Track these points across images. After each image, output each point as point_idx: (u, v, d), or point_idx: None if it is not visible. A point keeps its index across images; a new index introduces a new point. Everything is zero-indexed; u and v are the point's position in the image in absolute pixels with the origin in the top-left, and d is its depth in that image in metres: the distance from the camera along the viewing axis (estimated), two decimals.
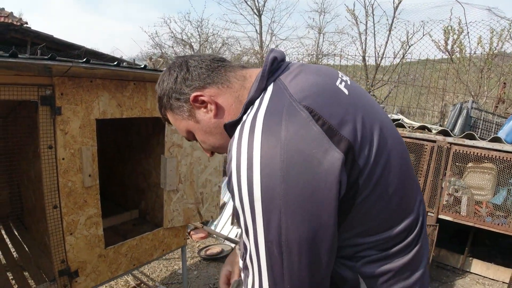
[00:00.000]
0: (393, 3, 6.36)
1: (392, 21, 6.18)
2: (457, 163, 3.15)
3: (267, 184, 0.61)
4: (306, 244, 0.62)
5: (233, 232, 3.69)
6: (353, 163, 0.65)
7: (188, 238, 3.71)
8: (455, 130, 3.49)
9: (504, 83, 5.13)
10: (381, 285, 0.72)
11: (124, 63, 1.46)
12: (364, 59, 6.40)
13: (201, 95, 0.81)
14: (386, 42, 6.19)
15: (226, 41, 11.44)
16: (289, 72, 0.78)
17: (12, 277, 1.68)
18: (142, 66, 1.50)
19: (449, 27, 5.43)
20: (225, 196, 4.12)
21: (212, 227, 3.85)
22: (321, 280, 0.65)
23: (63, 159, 1.40)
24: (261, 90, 0.76)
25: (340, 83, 0.79)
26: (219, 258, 3.22)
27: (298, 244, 0.61)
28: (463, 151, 3.06)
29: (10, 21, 5.78)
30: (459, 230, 3.46)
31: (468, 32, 5.34)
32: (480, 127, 3.64)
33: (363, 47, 6.49)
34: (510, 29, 5.23)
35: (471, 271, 3.29)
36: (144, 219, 2.35)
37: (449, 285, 3.11)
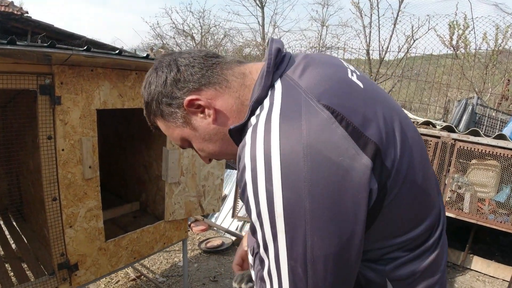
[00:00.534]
0: None
1: (397, 15, 6.11)
2: (460, 160, 3.12)
3: (290, 198, 0.54)
4: (332, 260, 0.56)
5: (233, 225, 3.68)
6: (381, 167, 0.60)
7: (189, 231, 3.69)
8: (460, 126, 3.46)
9: (509, 80, 5.08)
10: (407, 285, 0.68)
11: (126, 53, 1.42)
12: (368, 53, 6.34)
13: (196, 99, 0.72)
14: (391, 36, 6.13)
15: (228, 33, 11.35)
16: (295, 66, 0.70)
17: (10, 269, 1.66)
18: (145, 55, 1.46)
19: (455, 22, 5.36)
20: (226, 189, 4.10)
21: (213, 220, 3.83)
22: None
23: (62, 150, 1.36)
24: (268, 87, 0.68)
25: (352, 75, 0.73)
26: (220, 251, 3.21)
27: (324, 261, 0.56)
28: (467, 147, 3.03)
29: (10, 10, 5.71)
30: (460, 227, 3.44)
31: (474, 28, 5.27)
32: (485, 123, 3.60)
33: (367, 41, 6.43)
34: None
35: (471, 268, 3.28)
36: (145, 211, 2.32)
37: (449, 281, 3.10)
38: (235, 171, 4.28)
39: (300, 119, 0.58)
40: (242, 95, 0.74)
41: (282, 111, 0.61)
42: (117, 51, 1.35)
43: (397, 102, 0.85)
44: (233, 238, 3.42)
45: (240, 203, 3.77)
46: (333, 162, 0.55)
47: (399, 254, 0.67)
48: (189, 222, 3.79)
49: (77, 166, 1.40)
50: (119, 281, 2.65)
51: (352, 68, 0.78)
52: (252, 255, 0.85)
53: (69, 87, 1.33)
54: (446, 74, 5.77)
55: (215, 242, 3.33)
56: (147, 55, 1.47)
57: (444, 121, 4.21)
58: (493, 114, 3.68)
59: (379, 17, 6.29)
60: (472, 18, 5.21)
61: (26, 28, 6.00)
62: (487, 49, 5.34)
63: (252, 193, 0.58)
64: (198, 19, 12.24)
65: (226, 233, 3.54)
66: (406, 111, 4.27)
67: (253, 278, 0.83)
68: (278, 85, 0.67)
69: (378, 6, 6.48)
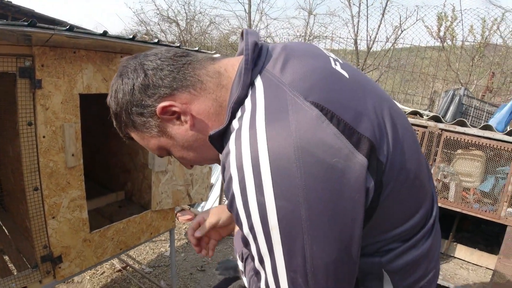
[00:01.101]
0: None
1: (386, 4, 6.09)
2: (445, 150, 3.14)
3: (285, 208, 0.51)
4: (333, 267, 0.54)
5: None
6: (376, 163, 0.57)
7: (175, 220, 3.64)
8: (447, 117, 3.49)
9: (493, 73, 5.16)
10: (403, 274, 0.67)
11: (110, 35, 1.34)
12: (356, 42, 6.32)
13: (170, 105, 0.66)
14: (379, 26, 6.12)
15: (214, 20, 11.15)
16: (275, 59, 0.65)
17: None
18: (131, 37, 1.39)
19: (443, 14, 5.38)
20: (213, 178, 4.05)
21: (199, 209, 3.79)
22: None
23: (43, 137, 1.29)
24: (247, 86, 0.63)
25: (335, 64, 0.68)
26: None
27: (325, 269, 0.53)
28: (454, 137, 3.06)
29: None
30: (443, 215, 3.50)
31: (462, 20, 5.31)
32: (471, 114, 3.65)
33: (355, 30, 6.41)
34: (501, 20, 5.22)
35: (455, 256, 3.34)
36: (130, 200, 2.26)
37: None
38: None
39: (288, 120, 0.54)
40: (220, 96, 0.68)
41: (267, 112, 0.56)
42: (101, 32, 1.27)
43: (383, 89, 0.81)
44: None
45: None
46: (328, 164, 0.51)
47: (395, 245, 0.65)
48: (175, 212, 3.74)
49: (59, 154, 1.33)
50: (104, 272, 2.59)
51: (333, 56, 0.73)
52: (242, 261, 0.82)
53: (50, 70, 1.25)
54: (432, 65, 5.82)
55: None
56: (133, 36, 1.40)
57: (429, 112, 4.25)
58: (479, 105, 3.72)
59: (367, 7, 6.27)
60: (461, 10, 5.24)
61: (6, 13, 5.75)
62: (474, 41, 5.39)
63: (242, 205, 0.54)
64: (183, 5, 11.97)
65: None
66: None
67: (246, 285, 0.80)
68: (258, 82, 0.62)
69: None
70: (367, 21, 6.21)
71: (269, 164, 0.52)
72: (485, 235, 3.53)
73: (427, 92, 5.91)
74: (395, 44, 6.14)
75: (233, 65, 0.71)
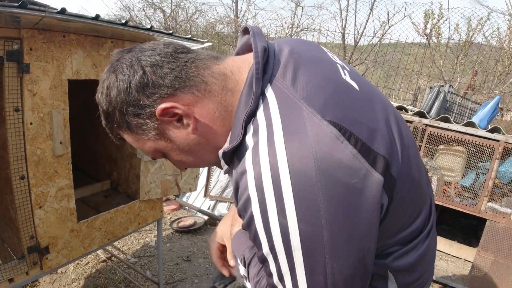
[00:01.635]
0: None
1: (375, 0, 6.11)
2: (428, 145, 3.21)
3: (308, 231, 0.52)
4: (351, 279, 0.56)
5: (205, 204, 3.63)
6: (390, 178, 0.58)
7: None
8: (431, 113, 3.55)
9: (476, 71, 5.28)
10: (405, 274, 0.69)
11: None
12: (343, 36, 6.34)
13: (172, 107, 0.61)
14: (367, 21, 6.14)
15: (200, 8, 10.95)
16: (283, 66, 0.62)
17: None
18: (123, 22, 1.35)
19: (430, 11, 5.44)
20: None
21: (184, 199, 3.76)
22: None
23: (31, 123, 1.24)
24: (258, 97, 0.60)
25: (345, 74, 0.67)
26: (192, 231, 3.17)
27: (345, 282, 0.55)
28: (437, 133, 3.12)
29: None
30: None
31: (448, 18, 5.38)
32: (455, 111, 3.73)
33: (343, 24, 6.42)
34: (486, 20, 5.31)
35: None
36: (116, 190, 2.22)
37: None
38: None
39: (307, 140, 0.53)
40: (225, 100, 0.65)
41: (286, 131, 0.54)
42: (93, 16, 1.22)
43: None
44: (205, 217, 3.38)
45: (212, 182, 3.72)
46: (347, 185, 0.52)
47: (397, 248, 0.68)
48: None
49: (46, 141, 1.29)
50: (88, 262, 2.55)
51: (339, 62, 0.73)
52: (245, 266, 0.82)
53: (38, 54, 1.20)
54: (417, 62, 5.90)
55: (187, 221, 3.28)
56: (126, 21, 1.35)
57: (413, 107, 4.32)
58: (463, 102, 3.80)
59: (356, 1, 6.27)
60: (448, 8, 5.31)
61: None
62: (459, 40, 5.49)
63: (262, 226, 0.54)
64: None
65: (198, 212, 3.49)
66: None
67: None
68: (270, 94, 0.60)
69: None
70: (355, 15, 6.22)
71: (291, 187, 0.51)
72: (464, 228, 3.64)
73: (410, 88, 6.00)
74: (382, 40, 6.19)
75: (239, 67, 0.67)
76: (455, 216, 3.67)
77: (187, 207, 3.64)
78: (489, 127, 2.95)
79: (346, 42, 6.47)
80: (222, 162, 0.67)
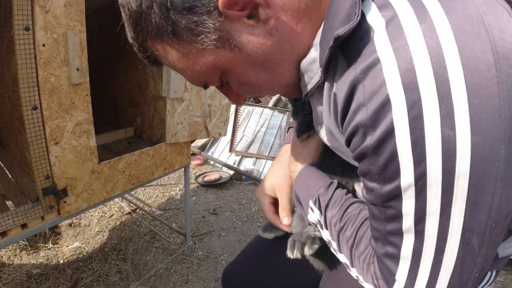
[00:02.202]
0: None
1: None
2: None
3: (484, 147, 0.34)
4: (509, 216, 0.39)
5: (231, 159, 3.50)
6: None
7: None
8: None
9: None
10: (498, 263, 0.59)
11: None
12: None
13: None
14: None
15: None
16: None
17: None
18: None
19: None
20: None
21: (209, 154, 3.64)
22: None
23: (43, 45, 1.07)
24: None
25: None
26: (217, 185, 3.05)
27: (505, 219, 0.38)
28: None
29: None
30: None
31: None
32: None
33: None
34: None
35: None
36: (140, 137, 2.08)
37: None
38: None
39: (476, 9, 0.35)
40: None
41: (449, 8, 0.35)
42: None
43: None
44: (231, 172, 3.26)
45: (238, 137, 3.57)
46: None
47: None
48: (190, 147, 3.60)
49: (61, 67, 1.12)
50: (113, 215, 2.48)
51: None
52: (321, 209, 0.63)
53: None
54: None
55: (213, 176, 3.17)
56: None
57: None
58: None
59: None
60: None
61: None
62: None
63: (409, 145, 0.36)
64: None
65: (223, 167, 3.37)
66: None
67: (328, 238, 0.63)
68: None
69: None
70: None
71: (464, 79, 0.33)
72: None
73: None
74: None
75: None
76: None
77: (212, 162, 3.52)
78: None
79: None
80: (308, 75, 0.46)
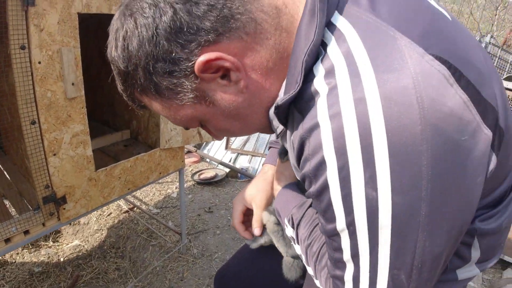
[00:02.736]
0: None
1: None
2: None
3: (403, 205, 0.40)
4: (440, 256, 0.45)
5: (227, 157, 3.57)
6: (499, 133, 0.45)
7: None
8: None
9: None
10: (490, 238, 0.58)
11: None
12: None
13: (218, 58, 0.45)
14: None
15: None
16: None
17: None
18: None
19: None
20: None
21: (205, 152, 3.71)
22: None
23: (39, 63, 1.13)
24: (323, 28, 0.44)
25: None
26: (213, 183, 3.13)
27: (433, 260, 0.44)
28: None
29: None
30: None
31: None
32: (495, 64, 3.44)
33: None
34: None
35: None
36: (136, 140, 2.15)
37: None
38: None
39: (410, 80, 0.38)
40: (279, 43, 0.48)
41: (377, 70, 0.39)
42: None
43: None
44: (227, 170, 3.32)
45: None
46: (457, 144, 0.39)
47: (484, 211, 0.56)
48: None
49: (57, 82, 1.18)
50: (111, 213, 2.56)
51: None
52: (293, 228, 0.70)
53: None
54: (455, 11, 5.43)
55: (209, 173, 3.23)
56: None
57: None
58: (504, 55, 3.50)
59: None
60: None
61: None
62: None
63: (340, 199, 0.42)
64: None
65: (219, 165, 3.44)
66: None
67: (300, 253, 0.70)
68: (343, 24, 0.43)
69: None
70: None
71: (387, 147, 0.38)
72: None
73: None
74: None
75: None
76: None
77: (208, 160, 3.59)
78: None
79: None
80: (275, 121, 0.53)
